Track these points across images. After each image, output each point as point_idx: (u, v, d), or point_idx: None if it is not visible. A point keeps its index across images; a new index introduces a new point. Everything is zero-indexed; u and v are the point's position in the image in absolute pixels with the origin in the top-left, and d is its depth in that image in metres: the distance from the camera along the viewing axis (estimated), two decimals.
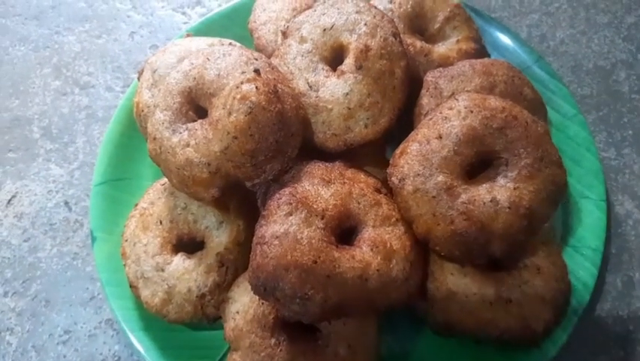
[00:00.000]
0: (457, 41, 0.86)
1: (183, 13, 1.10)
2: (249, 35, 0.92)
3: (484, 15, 0.96)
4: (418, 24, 0.87)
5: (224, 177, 0.70)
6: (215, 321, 0.75)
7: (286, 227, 0.64)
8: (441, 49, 0.85)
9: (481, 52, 0.86)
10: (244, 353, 0.68)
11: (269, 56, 0.87)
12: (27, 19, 1.11)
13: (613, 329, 0.79)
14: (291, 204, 0.65)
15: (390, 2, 0.86)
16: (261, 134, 0.67)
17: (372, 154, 0.80)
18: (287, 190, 0.67)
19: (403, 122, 0.78)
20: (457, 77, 0.76)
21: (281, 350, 0.67)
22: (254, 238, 0.66)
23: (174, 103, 0.73)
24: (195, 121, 0.72)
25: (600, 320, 0.80)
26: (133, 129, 0.88)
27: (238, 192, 0.77)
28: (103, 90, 1.02)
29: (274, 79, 0.71)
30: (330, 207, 0.66)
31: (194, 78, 0.72)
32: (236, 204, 0.77)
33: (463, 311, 0.69)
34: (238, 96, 0.67)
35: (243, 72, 0.70)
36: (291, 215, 0.64)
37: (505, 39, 0.95)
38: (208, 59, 0.72)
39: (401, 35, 0.82)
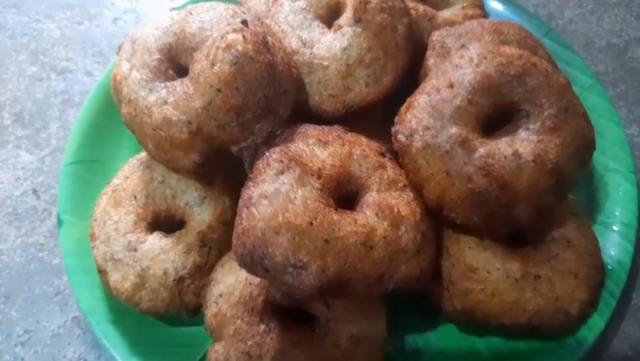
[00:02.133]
0: (463, 7, 0.79)
1: None
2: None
3: None
4: None
5: (206, 140, 0.61)
6: (196, 314, 0.65)
7: (277, 186, 0.55)
8: (445, 14, 0.78)
9: (486, 18, 0.80)
10: (228, 343, 0.58)
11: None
12: (5, 7, 1.05)
13: None
14: (282, 161, 0.56)
15: None
16: (248, 88, 0.59)
17: (374, 123, 0.72)
18: (278, 148, 0.58)
19: (408, 88, 0.70)
20: (465, 34, 0.69)
21: (271, 339, 0.57)
22: (239, 202, 0.56)
23: (152, 61, 0.65)
24: (175, 80, 0.64)
25: (636, 307, 0.70)
26: (111, 108, 0.80)
27: (225, 165, 0.68)
28: (81, 75, 0.95)
29: (264, 31, 0.64)
30: (328, 167, 0.57)
31: (175, 33, 0.65)
32: (223, 178, 0.68)
33: (484, 292, 0.59)
34: (223, 45, 0.60)
35: (229, 24, 0.63)
36: (282, 173, 0.56)
37: (511, 12, 0.89)
38: (191, 13, 0.65)
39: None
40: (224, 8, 0.65)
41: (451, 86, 0.58)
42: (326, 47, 0.66)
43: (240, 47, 0.59)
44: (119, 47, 0.80)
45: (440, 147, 0.56)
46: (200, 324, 0.63)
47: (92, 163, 0.78)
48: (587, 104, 0.77)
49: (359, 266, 0.53)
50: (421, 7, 0.77)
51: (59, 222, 0.72)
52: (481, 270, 0.59)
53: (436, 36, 0.71)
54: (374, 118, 0.71)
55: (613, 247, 0.67)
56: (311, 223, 0.52)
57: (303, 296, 0.53)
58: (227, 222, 0.66)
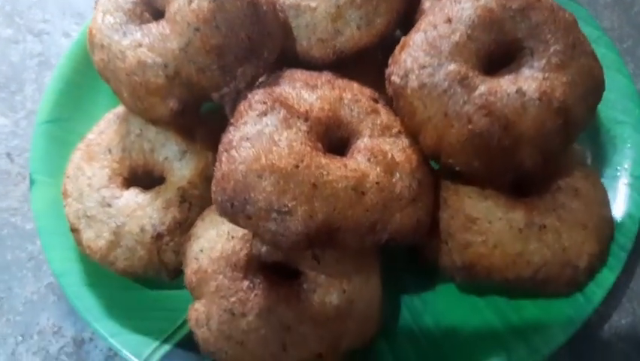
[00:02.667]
0: None
1: None
2: None
3: None
4: None
5: (184, 85, 0.57)
6: (177, 275, 0.61)
7: (260, 127, 0.50)
8: None
9: None
10: (209, 300, 0.53)
11: None
12: None
13: None
14: (265, 103, 0.52)
15: None
16: (229, 27, 0.55)
17: (367, 73, 0.67)
18: (261, 90, 0.54)
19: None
20: None
21: (256, 295, 0.52)
22: (219, 147, 0.52)
23: (127, 3, 0.60)
24: (151, 23, 0.59)
25: None
26: (87, 66, 0.75)
27: (207, 117, 0.64)
28: (59, 36, 0.90)
29: None
30: (316, 109, 0.53)
31: None
32: (205, 131, 0.64)
33: (485, 244, 0.54)
34: None
35: None
36: (265, 115, 0.51)
37: None
38: None
39: None
40: None
41: (449, 21, 0.54)
42: None
43: None
44: (96, 1, 0.75)
45: (437, 86, 0.52)
46: (182, 288, 0.59)
47: (66, 122, 0.73)
48: None
49: (349, 213, 0.49)
50: None
51: (31, 182, 0.67)
52: (482, 220, 0.55)
53: None
54: (367, 65, 0.66)
55: (622, 200, 0.62)
56: (297, 166, 0.48)
57: (288, 245, 0.48)
58: (209, 178, 0.61)
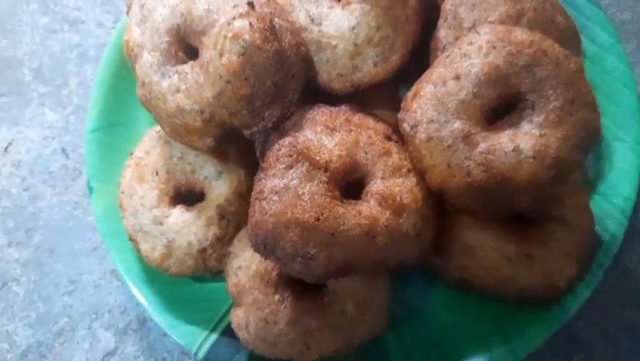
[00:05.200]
0: None
1: None
2: None
3: None
4: None
5: (219, 125, 0.64)
6: (219, 274, 0.73)
7: (286, 181, 0.58)
8: None
9: None
10: (247, 310, 0.66)
11: None
12: None
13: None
14: (291, 156, 0.59)
15: None
16: (256, 77, 0.61)
17: (383, 95, 0.73)
18: (287, 140, 0.61)
19: (418, 57, 0.70)
20: (480, 4, 0.67)
21: (285, 307, 0.65)
22: (252, 193, 0.61)
23: (162, 43, 0.66)
24: (186, 62, 0.65)
25: (629, 271, 0.75)
26: (125, 70, 0.81)
27: (238, 139, 0.72)
28: (93, 26, 0.94)
29: (270, 12, 0.63)
30: (335, 158, 0.60)
31: (182, 14, 0.64)
32: (236, 151, 0.72)
33: (480, 268, 0.64)
34: (230, 35, 0.60)
35: (235, 6, 0.62)
36: (291, 168, 0.59)
37: None
38: None
39: None
40: None
41: (458, 78, 0.58)
42: (334, 24, 0.65)
43: (247, 37, 0.60)
44: (128, 7, 0.80)
45: (443, 141, 0.58)
46: (222, 280, 0.71)
47: (113, 128, 0.82)
48: (604, 65, 0.77)
49: (362, 254, 0.58)
50: None
51: (90, 189, 0.78)
52: (478, 249, 0.64)
53: (448, 5, 0.68)
54: (384, 87, 0.72)
55: (609, 219, 0.70)
56: (318, 219, 0.57)
57: (311, 281, 0.59)
58: (242, 195, 0.71)
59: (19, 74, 0.93)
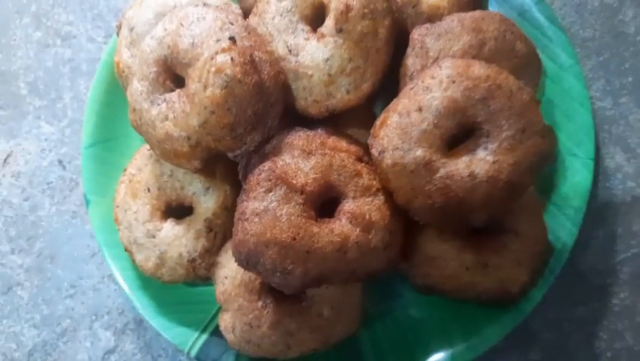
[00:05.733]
0: None
1: None
2: None
3: None
4: None
5: (205, 150, 0.70)
6: (208, 280, 0.80)
7: (266, 204, 0.65)
8: None
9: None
10: (234, 315, 0.73)
11: (249, 5, 0.83)
12: None
13: (592, 281, 0.82)
14: (270, 180, 0.66)
15: None
16: (238, 108, 0.66)
17: (357, 113, 0.78)
18: (266, 165, 0.67)
19: (390, 76, 0.76)
20: (445, 34, 0.72)
21: (267, 312, 0.72)
22: (235, 213, 0.67)
23: (150, 73, 0.71)
24: (173, 90, 0.71)
25: (581, 273, 0.82)
26: (116, 87, 0.87)
27: (223, 157, 0.77)
28: (85, 41, 0.99)
29: (250, 46, 0.69)
30: (310, 181, 0.67)
31: (169, 47, 0.69)
32: (222, 168, 0.78)
33: (442, 276, 0.72)
34: (213, 69, 0.65)
35: (217, 40, 0.67)
36: (270, 191, 0.65)
37: None
38: (182, 24, 0.69)
39: None
40: (212, 18, 0.69)
41: (420, 110, 0.64)
42: (310, 56, 0.70)
43: (229, 71, 0.65)
44: (117, 27, 0.85)
45: (406, 167, 0.65)
46: (211, 285, 0.78)
47: (107, 143, 0.87)
48: (562, 85, 0.83)
49: (335, 267, 0.65)
50: None
51: (87, 202, 0.84)
52: (439, 259, 0.71)
53: (416, 35, 0.74)
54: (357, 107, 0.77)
55: (561, 229, 0.77)
56: (294, 238, 0.63)
57: (290, 292, 0.66)
58: (228, 208, 0.77)
59: (14, 88, 0.97)
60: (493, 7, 0.88)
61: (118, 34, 0.84)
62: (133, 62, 0.80)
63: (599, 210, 0.85)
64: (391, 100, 0.77)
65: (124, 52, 0.82)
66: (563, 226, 0.77)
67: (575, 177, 0.79)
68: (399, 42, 0.76)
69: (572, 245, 0.76)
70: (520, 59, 0.74)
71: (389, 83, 0.76)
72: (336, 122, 0.76)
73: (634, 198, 0.85)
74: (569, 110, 0.82)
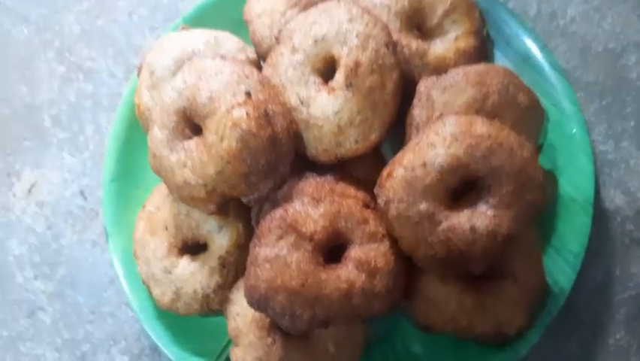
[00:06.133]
0: (456, 38, 0.83)
1: None
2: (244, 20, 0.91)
3: None
4: (415, 19, 0.84)
5: (220, 195, 0.74)
6: (220, 312, 0.84)
7: (276, 251, 0.69)
8: (438, 48, 0.83)
9: (480, 49, 0.84)
10: (244, 350, 0.77)
11: (264, 51, 0.87)
12: None
13: (588, 321, 0.85)
14: (281, 228, 0.70)
15: None
16: (252, 159, 0.71)
17: (364, 156, 0.81)
18: (278, 213, 0.71)
19: (397, 121, 0.79)
20: (450, 87, 0.76)
21: (276, 348, 0.76)
22: (248, 258, 0.71)
23: (170, 122, 0.75)
24: (191, 138, 0.75)
25: (577, 312, 0.86)
26: (136, 124, 0.91)
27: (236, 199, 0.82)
28: (106, 77, 1.03)
29: (265, 99, 0.73)
30: (319, 229, 0.71)
31: (188, 99, 0.74)
32: (235, 208, 0.82)
33: (441, 318, 0.75)
34: (229, 123, 0.70)
35: (234, 94, 0.71)
36: (281, 239, 0.70)
37: (510, 25, 0.91)
38: (200, 77, 0.74)
39: (397, 35, 0.81)
40: (229, 72, 0.73)
41: (424, 165, 0.68)
42: (321, 108, 0.74)
43: (244, 125, 0.69)
44: (138, 69, 0.89)
45: (411, 218, 0.69)
46: (223, 316, 0.83)
47: (127, 177, 0.92)
48: (564, 130, 0.86)
49: (340, 311, 0.69)
50: (414, 45, 0.81)
51: (107, 235, 0.88)
52: (439, 302, 0.75)
53: (422, 87, 0.77)
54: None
55: (560, 272, 0.80)
56: (303, 285, 0.67)
57: (297, 334, 0.70)
58: (241, 246, 0.82)
59: (39, 120, 1.02)
60: (499, 53, 0.91)
61: (139, 76, 0.89)
62: (153, 104, 0.85)
63: (598, 251, 0.88)
64: (397, 142, 0.82)
65: (144, 94, 0.86)
66: (561, 269, 0.81)
67: (575, 221, 0.82)
68: (406, 90, 0.79)
69: (570, 290, 0.79)
70: (523, 111, 0.78)
71: (396, 126, 0.80)
72: (344, 163, 0.80)
73: (632, 240, 0.88)
74: (570, 156, 0.85)
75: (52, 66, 1.05)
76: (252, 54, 0.89)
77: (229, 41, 0.88)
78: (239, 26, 0.92)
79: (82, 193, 0.99)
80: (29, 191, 0.99)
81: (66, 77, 1.04)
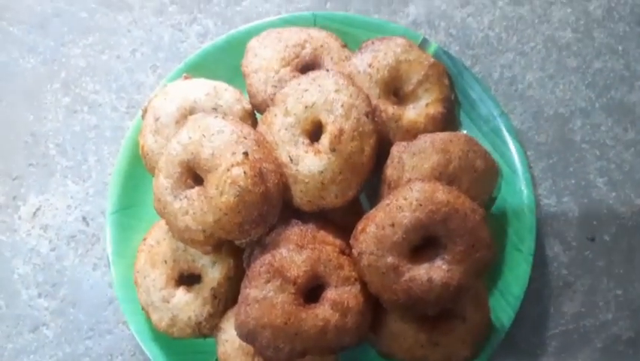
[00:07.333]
0: (427, 105, 0.96)
1: (180, 30, 1.16)
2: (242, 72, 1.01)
3: (459, 65, 1.04)
4: (393, 85, 0.96)
5: (216, 239, 0.86)
6: (211, 336, 0.95)
7: (264, 293, 0.81)
8: (411, 114, 0.95)
9: (447, 115, 0.97)
10: None
11: (258, 102, 0.98)
12: (32, 27, 1.17)
13: (525, 351, 1.00)
14: (269, 273, 0.82)
15: (370, 67, 0.94)
16: (247, 211, 0.82)
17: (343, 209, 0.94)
18: (267, 259, 0.83)
19: (374, 175, 0.92)
20: (418, 153, 0.88)
21: None
22: (239, 297, 0.83)
23: (175, 172, 0.86)
24: (193, 187, 0.86)
25: (516, 344, 1.00)
26: (139, 160, 1.00)
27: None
28: (109, 110, 1.12)
29: (260, 158, 0.84)
30: (302, 273, 0.83)
31: (192, 153, 0.84)
32: (228, 246, 0.93)
33: (401, 349, 0.89)
34: (229, 180, 0.81)
35: (233, 153, 0.82)
36: (269, 282, 0.81)
37: (475, 89, 1.04)
38: (204, 135, 0.84)
39: (376, 100, 0.93)
40: (229, 132, 0.84)
41: (393, 225, 0.81)
42: (307, 167, 0.86)
43: (241, 183, 0.80)
44: (143, 112, 0.99)
45: (379, 269, 0.81)
46: (211, 336, 0.94)
47: (129, 209, 1.02)
48: (514, 187, 1.00)
49: (317, 345, 0.82)
50: (390, 110, 0.94)
51: (110, 263, 0.98)
52: (400, 336, 0.88)
53: (395, 151, 0.90)
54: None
55: (502, 312, 0.95)
56: (286, 323, 0.80)
57: None
58: (231, 279, 0.93)
59: (44, 148, 1.11)
60: (464, 114, 1.04)
61: (143, 117, 0.99)
62: (156, 147, 0.95)
63: (536, 291, 1.02)
64: (372, 191, 0.94)
65: (149, 137, 0.96)
66: (503, 309, 0.95)
67: (517, 269, 0.96)
68: (382, 149, 0.91)
69: (509, 327, 0.94)
70: (479, 174, 0.91)
71: (372, 180, 0.92)
72: (325, 211, 0.92)
73: (565, 283, 1.03)
74: (517, 210, 0.99)
75: (58, 97, 1.13)
76: (247, 105, 0.99)
77: (227, 93, 0.98)
78: (236, 71, 1.02)
79: (84, 219, 1.08)
80: (34, 214, 1.08)
81: (71, 108, 1.13)
